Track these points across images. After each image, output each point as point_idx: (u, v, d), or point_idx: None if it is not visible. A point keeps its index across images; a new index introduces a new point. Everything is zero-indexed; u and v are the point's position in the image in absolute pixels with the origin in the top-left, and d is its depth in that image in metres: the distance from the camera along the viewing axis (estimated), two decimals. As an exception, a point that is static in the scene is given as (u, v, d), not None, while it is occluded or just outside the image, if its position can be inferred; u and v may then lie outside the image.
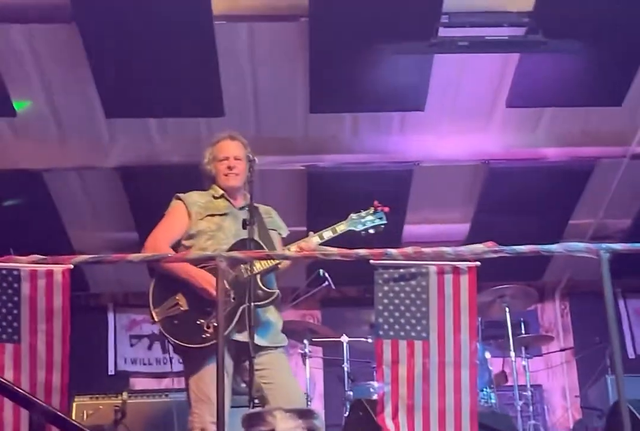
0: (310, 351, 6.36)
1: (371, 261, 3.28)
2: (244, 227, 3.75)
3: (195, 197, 4.24)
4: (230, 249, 3.91)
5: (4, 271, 3.19)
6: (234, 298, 3.83)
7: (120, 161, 6.59)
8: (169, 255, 3.37)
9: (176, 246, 4.09)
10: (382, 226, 4.08)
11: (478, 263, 3.24)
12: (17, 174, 6.51)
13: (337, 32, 5.55)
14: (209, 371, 3.68)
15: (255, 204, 4.17)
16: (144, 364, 8.09)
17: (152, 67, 5.71)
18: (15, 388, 2.71)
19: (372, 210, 4.10)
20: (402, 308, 3.24)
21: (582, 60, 5.73)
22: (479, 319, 6.15)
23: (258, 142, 5.49)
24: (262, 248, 3.96)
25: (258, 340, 3.90)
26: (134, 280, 7.83)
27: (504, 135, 6.71)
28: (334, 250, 3.36)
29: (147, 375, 8.05)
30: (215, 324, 3.76)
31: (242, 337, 3.85)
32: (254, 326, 3.82)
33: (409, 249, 3.28)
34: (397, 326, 3.23)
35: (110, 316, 8.16)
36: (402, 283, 3.25)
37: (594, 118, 6.55)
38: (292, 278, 6.40)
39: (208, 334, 3.80)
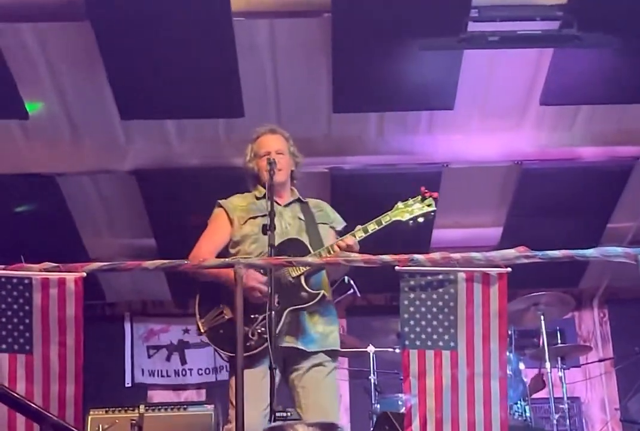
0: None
1: (396, 268, 3.27)
2: (264, 233, 3.76)
3: (237, 202, 4.27)
4: (278, 250, 3.93)
5: (14, 280, 3.22)
6: (278, 302, 3.79)
7: (136, 164, 6.63)
8: (185, 262, 3.38)
9: (225, 255, 4.13)
10: (432, 214, 4.04)
11: (509, 269, 3.22)
12: (30, 178, 6.58)
13: (362, 27, 5.56)
14: (248, 379, 3.67)
15: (306, 199, 4.27)
16: (162, 376, 8.13)
17: (169, 66, 5.75)
18: (26, 401, 2.73)
19: (419, 197, 4.06)
20: (429, 316, 3.24)
21: (619, 55, 5.70)
22: (512, 328, 6.13)
23: (278, 144, 5.57)
24: (305, 247, 3.96)
25: (303, 345, 3.93)
26: (151, 288, 7.92)
27: (537, 134, 6.68)
28: (358, 256, 3.36)
29: (166, 388, 8.10)
30: (259, 331, 3.79)
31: (290, 343, 3.89)
32: (299, 331, 3.89)
33: (436, 255, 3.28)
34: (423, 336, 3.22)
35: (127, 326, 8.21)
36: (429, 291, 3.25)
37: (632, 116, 6.51)
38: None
39: (252, 342, 3.81)
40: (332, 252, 3.87)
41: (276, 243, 3.88)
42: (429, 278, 3.26)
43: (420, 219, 4.02)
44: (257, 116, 6.23)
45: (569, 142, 6.71)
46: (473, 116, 6.55)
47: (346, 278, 6.48)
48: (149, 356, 8.19)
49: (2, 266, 3.24)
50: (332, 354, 4.05)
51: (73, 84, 6.11)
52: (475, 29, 5.38)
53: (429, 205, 4.04)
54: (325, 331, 4.01)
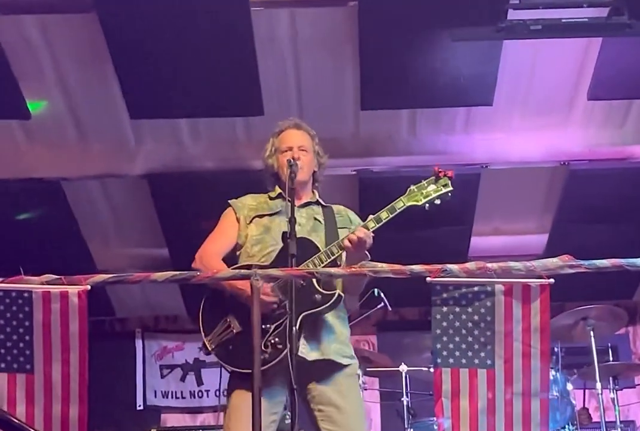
0: (364, 383, 6.33)
1: (428, 279, 3.24)
2: (283, 241, 3.76)
3: (247, 201, 4.27)
4: (278, 254, 3.94)
5: (13, 294, 3.22)
6: (289, 308, 3.72)
7: (147, 168, 6.68)
8: (197, 274, 3.39)
9: (233, 257, 4.14)
10: (449, 194, 4.02)
11: (551, 280, 3.19)
12: (32, 183, 6.63)
13: (391, 16, 5.57)
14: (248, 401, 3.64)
15: (327, 204, 4.27)
16: (177, 398, 8.15)
17: (181, 61, 5.79)
18: (26, 427, 2.75)
19: (433, 178, 4.05)
20: (464, 332, 3.21)
21: (674, 44, 5.68)
22: (558, 345, 6.09)
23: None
24: (315, 246, 3.96)
25: (315, 355, 3.88)
26: (164, 302, 7.95)
27: (585, 132, 6.66)
28: (385, 266, 3.34)
29: (180, 410, 8.12)
30: (273, 341, 3.79)
31: (304, 353, 3.83)
32: (309, 338, 3.85)
33: (471, 265, 3.25)
34: (457, 353, 3.20)
35: (139, 344, 8.24)
36: (463, 304, 3.23)
37: (690, 111, 6.49)
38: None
39: (267, 355, 3.78)
40: (342, 248, 3.88)
41: (282, 245, 3.91)
42: (464, 290, 3.23)
43: (437, 201, 4.00)
44: (278, 114, 6.22)
45: (620, 140, 6.68)
46: (514, 113, 6.54)
47: (376, 290, 6.49)
48: (162, 376, 8.21)
49: (0, 279, 3.26)
50: (337, 366, 3.96)
51: (79, 81, 6.16)
52: (516, 18, 5.36)
53: (444, 185, 4.01)
54: (329, 337, 3.95)
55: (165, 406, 8.10)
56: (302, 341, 3.84)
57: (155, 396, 8.13)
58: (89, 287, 3.24)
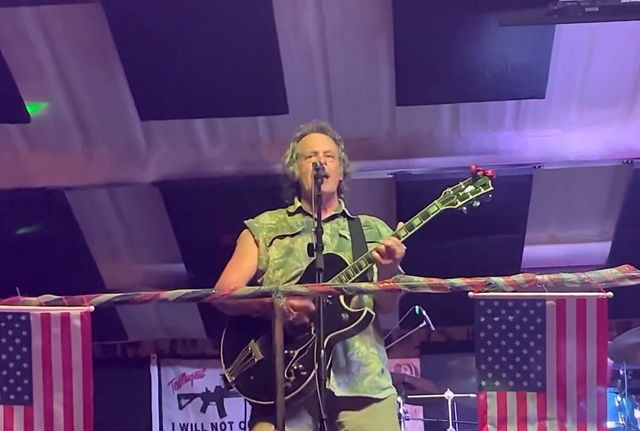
0: (406, 412, 6.35)
1: (470, 294, 3.21)
2: (309, 253, 3.76)
3: (265, 220, 4.24)
4: (303, 276, 3.94)
5: (9, 316, 3.20)
6: (314, 331, 3.74)
7: (160, 174, 6.73)
8: (213, 292, 3.39)
9: (256, 284, 4.14)
10: (490, 195, 4.00)
11: (610, 294, 3.15)
12: (34, 193, 6.68)
13: (429, 1, 5.59)
14: None
15: (354, 216, 4.24)
16: (197, 431, 8.18)
17: (196, 55, 5.83)
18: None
19: (470, 179, 4.03)
20: (511, 351, 3.17)
21: None
22: (624, 366, 6.04)
23: (331, 145, 5.60)
24: (343, 262, 3.94)
25: (343, 391, 3.86)
26: (182, 324, 7.99)
27: (651, 127, 6.63)
28: (422, 280, 3.32)
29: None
30: (296, 368, 3.78)
31: (332, 386, 3.82)
32: (337, 370, 3.83)
33: (518, 278, 3.23)
34: (504, 375, 3.17)
35: (154, 370, 8.30)
36: (510, 320, 3.18)
37: None
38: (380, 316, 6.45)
39: (289, 384, 3.76)
40: (371, 261, 3.87)
41: (307, 265, 3.91)
42: (511, 305, 3.19)
43: (476, 204, 3.98)
44: (305, 112, 6.27)
45: (692, 135, 6.65)
46: (569, 106, 6.53)
47: (417, 307, 6.49)
48: (181, 407, 8.26)
49: None
50: (372, 400, 3.93)
51: (82, 79, 6.22)
52: (570, -1, 5.38)
53: (483, 185, 3.97)
54: (360, 371, 3.92)
55: (185, 441, 8.14)
56: (332, 375, 3.82)
57: (173, 430, 8.19)
58: (92, 308, 3.22)
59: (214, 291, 3.39)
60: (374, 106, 6.48)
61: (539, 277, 3.21)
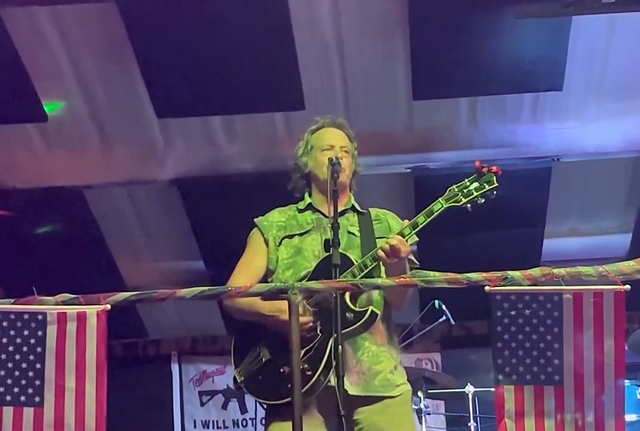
0: (427, 406, 6.35)
1: (486, 288, 3.19)
2: (326, 250, 3.78)
3: (274, 218, 4.23)
4: (311, 277, 3.93)
5: (26, 316, 3.19)
6: (320, 331, 3.81)
7: (178, 172, 6.77)
8: (229, 289, 3.41)
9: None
10: (494, 192, 4.01)
11: (627, 287, 3.14)
12: (52, 192, 6.74)
13: (444, -6, 5.62)
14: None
15: (363, 210, 4.23)
16: (219, 427, 8.25)
17: (211, 52, 5.86)
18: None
19: (474, 176, 4.03)
20: (528, 345, 3.17)
21: None
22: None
23: (348, 140, 5.62)
24: (349, 261, 3.91)
25: (356, 390, 3.86)
26: (202, 321, 8.02)
27: (671, 117, 6.63)
28: (438, 275, 3.33)
29: (254, 436, 8.21)
30: (302, 367, 3.78)
31: (334, 381, 3.84)
32: (348, 369, 3.80)
33: (535, 271, 3.22)
34: (521, 369, 3.16)
35: (175, 368, 8.36)
36: (527, 314, 3.17)
37: None
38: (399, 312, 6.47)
39: None
40: (376, 259, 3.89)
41: (315, 263, 3.93)
42: (527, 299, 3.18)
43: (481, 200, 3.99)
44: (321, 107, 6.28)
45: None
46: (588, 98, 6.53)
47: (437, 301, 6.50)
48: (202, 404, 8.31)
49: (11, 300, 3.28)
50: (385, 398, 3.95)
51: (98, 78, 6.27)
52: (586, -10, 5.39)
53: (488, 182, 3.97)
54: (371, 369, 3.95)
55: (206, 438, 8.20)
56: (329, 366, 3.81)
57: (195, 427, 8.24)
58: (109, 307, 3.19)
59: (230, 289, 3.40)
60: (391, 100, 6.49)
61: (555, 270, 3.20)
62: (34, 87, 6.05)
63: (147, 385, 8.17)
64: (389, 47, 6.15)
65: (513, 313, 3.18)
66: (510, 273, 3.23)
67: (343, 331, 3.77)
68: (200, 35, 5.76)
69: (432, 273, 3.33)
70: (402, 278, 3.34)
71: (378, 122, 6.56)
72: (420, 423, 6.28)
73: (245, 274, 4.13)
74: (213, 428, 8.23)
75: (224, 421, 8.24)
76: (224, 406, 8.26)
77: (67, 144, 6.65)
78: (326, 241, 3.81)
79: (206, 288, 3.36)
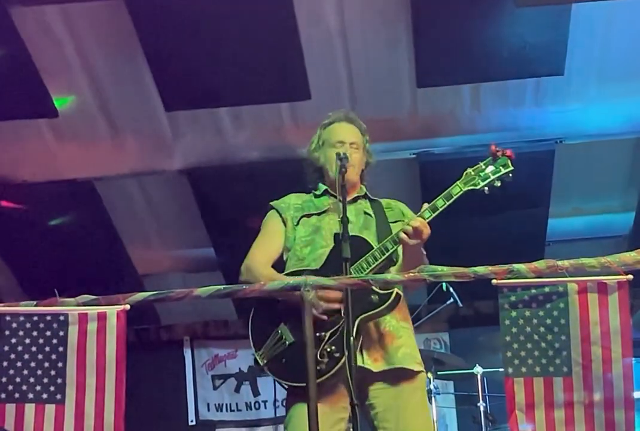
0: (436, 387, 6.49)
1: (493, 281, 3.28)
2: (335, 241, 3.91)
3: (292, 200, 4.38)
4: (328, 257, 4.07)
5: (48, 317, 3.30)
6: (344, 313, 3.86)
7: (187, 162, 6.89)
8: (244, 288, 3.53)
9: (281, 260, 4.27)
10: (510, 175, 4.11)
11: (630, 276, 3.20)
12: (64, 185, 6.89)
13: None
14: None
15: (375, 198, 4.39)
16: (232, 410, 8.38)
17: (216, 44, 5.97)
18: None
19: (490, 159, 4.13)
20: (536, 337, 3.24)
21: None
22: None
23: (355, 127, 5.70)
24: (367, 244, 4.07)
25: (382, 365, 3.99)
26: (213, 307, 8.13)
27: (671, 97, 6.69)
28: (446, 269, 3.44)
29: (237, 424, 8.35)
30: (329, 350, 3.91)
31: (359, 360, 3.90)
32: (363, 345, 3.96)
33: (540, 264, 3.30)
34: (530, 361, 3.22)
35: (187, 353, 8.49)
36: (534, 307, 3.26)
37: None
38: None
39: (323, 366, 3.88)
40: (397, 242, 3.99)
41: (333, 245, 4.06)
42: (533, 291, 3.25)
43: (497, 183, 4.10)
44: (327, 96, 6.41)
45: None
46: (589, 80, 6.60)
47: (444, 284, 6.63)
48: (215, 388, 8.45)
49: (34, 302, 3.39)
50: (407, 373, 4.06)
51: (107, 73, 6.37)
52: (584, -24, 5.47)
53: (504, 165, 4.09)
54: (393, 343, 4.05)
55: (219, 421, 8.36)
56: (364, 352, 3.97)
57: (209, 410, 8.38)
58: (128, 307, 3.30)
59: (245, 287, 3.47)
60: (395, 87, 6.58)
61: (559, 263, 3.26)
62: (43, 83, 6.14)
63: (160, 370, 8.32)
64: (392, 36, 6.23)
65: (520, 305, 3.26)
66: (516, 266, 3.30)
67: (368, 313, 3.94)
68: (205, 31, 5.86)
69: (440, 268, 3.43)
70: (412, 273, 3.45)
71: (383, 110, 6.64)
72: (430, 403, 6.36)
73: (265, 252, 4.27)
74: (226, 411, 8.35)
75: (237, 404, 8.35)
76: (237, 390, 8.37)
77: (78, 138, 6.75)
78: (335, 235, 3.97)
79: (222, 286, 3.46)
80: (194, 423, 8.32)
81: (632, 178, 7.33)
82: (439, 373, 6.55)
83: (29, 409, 3.26)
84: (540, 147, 6.87)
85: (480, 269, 3.35)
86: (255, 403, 8.36)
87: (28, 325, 3.32)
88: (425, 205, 4.03)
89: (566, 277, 3.28)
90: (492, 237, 7.22)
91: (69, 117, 6.54)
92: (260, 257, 4.25)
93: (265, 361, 4.06)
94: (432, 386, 6.42)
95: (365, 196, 4.39)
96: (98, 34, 6.10)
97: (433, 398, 6.42)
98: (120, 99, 6.53)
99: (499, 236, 7.30)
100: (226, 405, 8.39)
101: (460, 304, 6.77)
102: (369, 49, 6.34)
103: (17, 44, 5.83)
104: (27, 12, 5.80)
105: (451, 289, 6.68)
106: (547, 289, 3.27)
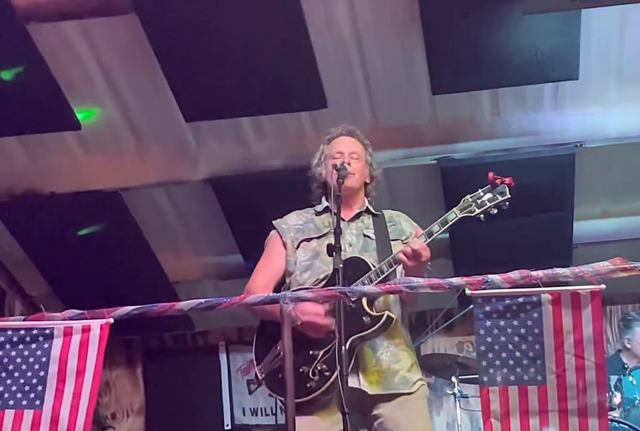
0: (461, 391, 6.48)
1: (468, 291, 3.35)
2: (329, 254, 3.95)
3: (292, 220, 4.45)
4: (329, 279, 4.11)
5: (34, 331, 3.45)
6: (339, 332, 3.88)
7: (211, 171, 6.96)
8: (224, 300, 3.60)
9: (284, 284, 4.34)
10: (507, 203, 4.13)
11: (603, 286, 3.24)
12: (91, 196, 6.98)
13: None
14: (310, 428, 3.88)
15: (377, 212, 4.41)
16: (267, 415, 8.42)
17: (231, 56, 6.04)
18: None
19: (488, 186, 4.16)
20: (510, 346, 3.27)
21: None
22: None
23: (375, 134, 5.74)
24: (367, 265, 4.12)
25: (377, 389, 4.07)
26: (247, 313, 8.18)
27: (692, 98, 6.63)
28: (421, 280, 3.48)
29: (273, 429, 8.30)
30: (320, 368, 3.97)
31: (355, 382, 4.02)
32: (359, 368, 4.04)
33: (514, 274, 3.33)
34: (505, 370, 3.26)
35: (223, 358, 8.57)
36: (508, 316, 3.29)
37: None
38: (438, 296, 6.57)
39: (313, 383, 3.98)
40: (394, 264, 4.04)
41: (333, 267, 4.05)
42: (508, 301, 3.29)
43: (494, 211, 4.13)
44: (345, 103, 6.48)
45: None
46: (608, 83, 6.59)
47: (467, 289, 6.61)
48: (250, 392, 8.07)
49: (22, 317, 3.53)
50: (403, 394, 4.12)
51: (129, 85, 6.49)
52: (593, -18, 5.46)
53: (501, 193, 4.11)
54: (390, 368, 4.13)
55: (255, 425, 8.41)
56: (361, 374, 4.04)
57: (244, 414, 8.45)
58: (112, 320, 3.44)
59: (225, 300, 3.57)
60: (414, 95, 6.60)
61: (533, 273, 3.29)
62: (65, 97, 6.27)
63: (196, 375, 8.39)
64: (406, 44, 6.26)
65: (495, 315, 3.30)
66: (491, 277, 3.33)
67: (360, 334, 4.02)
68: (217, 42, 5.95)
69: (415, 279, 3.48)
70: (387, 284, 3.49)
71: (402, 117, 6.71)
72: (455, 408, 6.42)
73: (264, 275, 4.35)
74: (261, 415, 8.41)
75: (272, 408, 8.33)
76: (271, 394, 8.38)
77: (103, 150, 6.87)
78: (329, 246, 3.99)
79: (203, 300, 3.55)
80: (229, 427, 8.39)
81: (658, 180, 7.26)
82: (460, 377, 6.52)
83: (9, 415, 3.39)
84: (560, 151, 6.85)
85: (455, 280, 3.43)
86: (290, 407, 8.36)
87: (15, 339, 3.46)
88: (420, 230, 4.14)
89: (540, 287, 3.31)
90: (516, 242, 7.20)
91: (94, 129, 6.66)
92: (260, 280, 4.33)
93: (263, 376, 4.18)
94: (456, 390, 6.43)
95: (367, 211, 4.43)
96: (116, 47, 6.21)
97: (457, 403, 6.42)
98: (143, 110, 6.64)
99: (526, 240, 7.28)
100: (262, 409, 8.44)
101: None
102: (383, 56, 6.37)
103: (36, 60, 5.96)
104: (45, 28, 5.92)
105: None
106: (521, 300, 3.31)
